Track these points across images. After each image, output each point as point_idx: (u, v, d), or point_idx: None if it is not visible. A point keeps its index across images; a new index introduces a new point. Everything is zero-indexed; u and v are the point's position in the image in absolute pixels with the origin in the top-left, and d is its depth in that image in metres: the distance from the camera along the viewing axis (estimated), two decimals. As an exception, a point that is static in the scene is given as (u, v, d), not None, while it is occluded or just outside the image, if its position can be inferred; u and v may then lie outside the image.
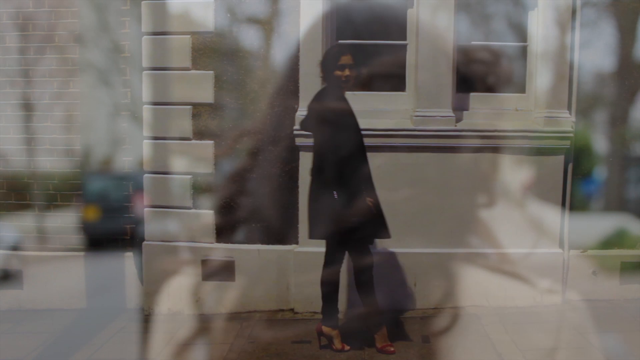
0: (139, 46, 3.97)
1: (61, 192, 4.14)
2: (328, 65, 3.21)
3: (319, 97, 3.25)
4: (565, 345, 3.29)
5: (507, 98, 3.95)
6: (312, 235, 3.26)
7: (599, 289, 3.95)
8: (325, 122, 3.20)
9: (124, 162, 4.15)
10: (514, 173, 3.86)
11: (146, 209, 4.01)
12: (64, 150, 4.12)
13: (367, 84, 3.96)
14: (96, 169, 4.20)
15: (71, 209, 4.16)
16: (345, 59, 3.17)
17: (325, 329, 3.29)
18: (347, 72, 3.16)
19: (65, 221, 4.16)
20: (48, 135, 4.12)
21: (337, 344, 3.26)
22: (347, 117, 3.18)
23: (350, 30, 3.97)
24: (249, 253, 3.97)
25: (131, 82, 4.09)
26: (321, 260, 3.83)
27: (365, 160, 3.20)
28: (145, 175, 4.00)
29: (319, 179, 3.19)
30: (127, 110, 4.08)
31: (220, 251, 3.98)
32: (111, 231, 4.15)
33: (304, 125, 3.37)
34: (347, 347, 3.27)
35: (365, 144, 3.26)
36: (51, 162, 4.13)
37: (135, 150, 4.08)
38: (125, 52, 4.07)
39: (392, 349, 3.25)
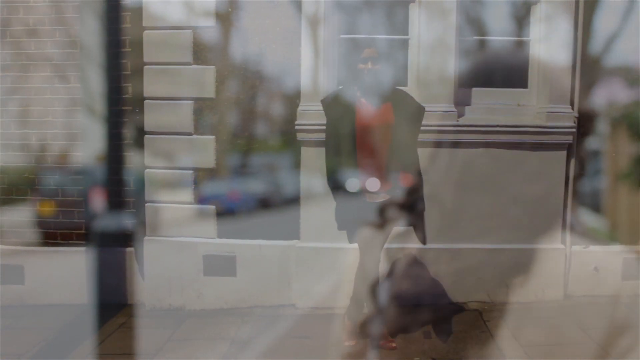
0: (95, 40, 3.99)
1: (17, 187, 4.16)
2: (354, 59, 3.18)
3: (334, 91, 3.27)
4: (566, 341, 3.29)
5: (510, 93, 3.94)
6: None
7: (601, 284, 3.94)
8: (326, 115, 3.20)
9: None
10: (516, 168, 3.85)
11: (147, 204, 4.01)
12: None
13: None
14: (53, 164, 4.18)
15: (26, 204, 4.17)
16: (369, 52, 3.10)
17: (347, 322, 3.31)
18: (369, 65, 3.09)
19: (20, 216, 4.17)
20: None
21: (344, 336, 3.27)
22: (346, 113, 3.13)
23: (353, 25, 3.96)
24: (250, 248, 3.97)
25: (88, 77, 4.08)
26: (322, 256, 3.86)
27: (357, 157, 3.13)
28: (147, 170, 3.99)
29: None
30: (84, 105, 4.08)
31: (221, 246, 3.98)
32: (66, 226, 4.16)
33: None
34: (350, 343, 3.26)
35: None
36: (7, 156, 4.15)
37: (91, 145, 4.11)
38: (127, 46, 4.06)
39: (393, 344, 3.24)
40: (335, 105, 3.16)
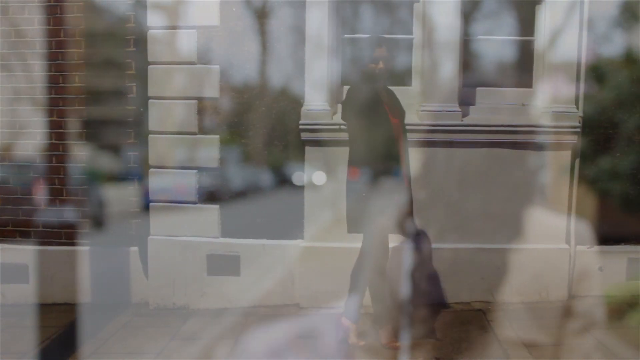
0: (38, 31, 4.02)
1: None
2: (364, 58, 3.24)
3: (352, 89, 3.27)
4: (570, 341, 3.28)
5: (514, 93, 3.94)
6: (348, 229, 3.24)
7: (606, 285, 3.93)
8: (358, 114, 3.20)
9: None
10: (520, 168, 3.85)
11: (151, 204, 4.01)
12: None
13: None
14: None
15: None
16: (379, 52, 3.16)
17: (345, 321, 3.29)
18: (380, 64, 3.15)
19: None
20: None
21: (353, 337, 3.25)
22: (378, 110, 3.16)
23: (357, 25, 3.96)
24: (254, 248, 3.97)
25: (33, 70, 4.09)
26: (326, 255, 3.86)
27: (397, 152, 3.18)
28: (151, 169, 4.00)
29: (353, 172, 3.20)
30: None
31: (225, 246, 3.99)
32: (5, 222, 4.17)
33: (343, 117, 3.35)
34: (361, 342, 3.26)
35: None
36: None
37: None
38: (131, 46, 4.07)
39: (397, 344, 3.24)
40: (361, 103, 3.18)
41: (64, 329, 3.72)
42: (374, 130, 3.13)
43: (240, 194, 4.03)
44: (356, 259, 3.27)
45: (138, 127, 4.09)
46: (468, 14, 3.87)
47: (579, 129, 3.82)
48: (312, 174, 3.88)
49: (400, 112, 3.31)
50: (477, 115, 3.90)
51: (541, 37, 3.86)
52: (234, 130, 3.98)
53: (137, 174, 4.14)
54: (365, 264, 3.22)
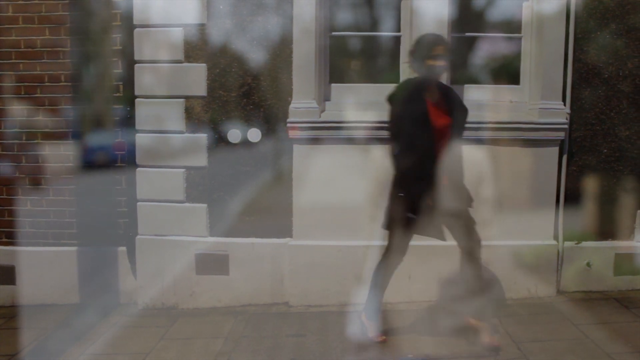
0: None
1: None
2: (421, 54, 3.08)
3: (409, 86, 3.16)
4: (559, 337, 3.30)
5: (502, 90, 3.94)
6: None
7: (593, 280, 3.95)
8: (399, 111, 3.12)
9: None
10: (508, 165, 3.85)
11: (139, 203, 3.99)
12: None
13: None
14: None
15: None
16: (440, 49, 3.06)
17: (364, 319, 3.29)
18: (440, 62, 3.05)
19: None
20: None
21: (372, 334, 3.25)
22: (418, 109, 3.08)
23: (344, 22, 3.96)
24: (243, 246, 3.96)
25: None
26: (315, 254, 3.85)
27: (433, 153, 3.10)
28: (138, 169, 3.98)
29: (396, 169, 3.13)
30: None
31: (214, 245, 3.97)
32: None
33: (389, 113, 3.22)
34: (381, 338, 3.24)
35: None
36: None
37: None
38: (118, 44, 4.05)
39: (383, 337, 3.25)
40: (405, 101, 3.10)
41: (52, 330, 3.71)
42: (410, 130, 3.06)
43: (229, 193, 4.01)
44: (380, 257, 3.22)
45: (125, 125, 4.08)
46: (456, 11, 3.87)
47: (566, 126, 3.84)
48: (299, 169, 3.87)
49: (454, 113, 3.13)
50: (465, 112, 3.90)
51: (529, 33, 3.87)
52: (222, 129, 3.96)
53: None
54: (388, 262, 3.19)
